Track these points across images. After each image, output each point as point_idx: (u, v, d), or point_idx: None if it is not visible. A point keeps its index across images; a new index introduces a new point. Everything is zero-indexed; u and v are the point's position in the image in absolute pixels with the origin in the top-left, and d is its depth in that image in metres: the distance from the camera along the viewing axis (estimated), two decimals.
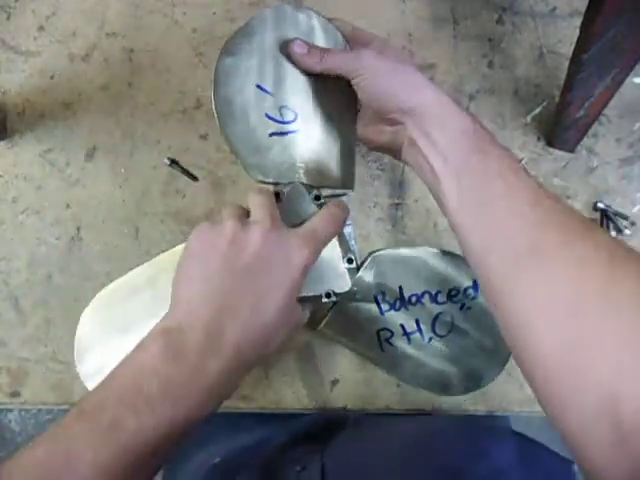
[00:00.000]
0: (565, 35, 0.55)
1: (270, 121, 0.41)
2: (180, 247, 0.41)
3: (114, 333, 0.41)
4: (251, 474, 0.44)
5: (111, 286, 0.42)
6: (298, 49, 0.39)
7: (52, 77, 0.57)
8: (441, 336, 0.41)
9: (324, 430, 0.48)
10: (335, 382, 0.52)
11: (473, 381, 0.42)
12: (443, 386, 0.42)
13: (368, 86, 0.37)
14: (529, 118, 0.56)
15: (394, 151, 0.40)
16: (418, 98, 0.36)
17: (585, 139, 0.53)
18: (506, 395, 0.52)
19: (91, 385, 0.38)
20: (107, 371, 0.31)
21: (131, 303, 0.41)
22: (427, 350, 0.41)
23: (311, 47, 0.40)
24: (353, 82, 0.38)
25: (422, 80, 0.36)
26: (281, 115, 0.41)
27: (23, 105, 0.56)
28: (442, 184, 0.34)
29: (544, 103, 0.56)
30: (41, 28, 0.58)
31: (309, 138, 0.41)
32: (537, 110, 0.56)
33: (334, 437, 0.47)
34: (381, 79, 0.37)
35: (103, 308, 0.41)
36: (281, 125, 0.41)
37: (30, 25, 0.58)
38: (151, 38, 0.57)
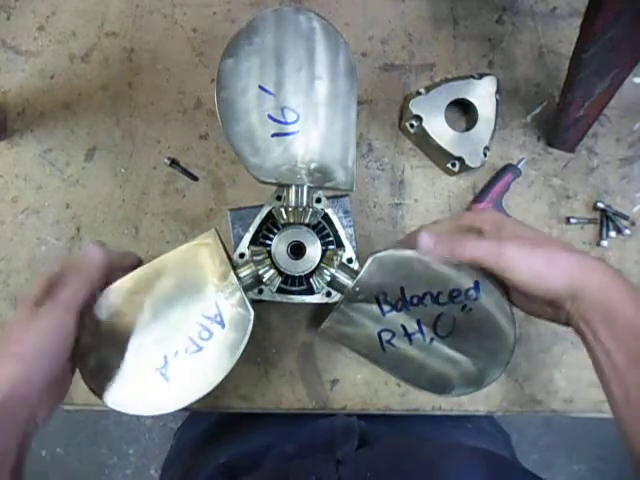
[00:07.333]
0: (565, 35, 0.55)
1: (272, 122, 0.41)
2: (175, 250, 0.41)
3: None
4: (257, 478, 0.43)
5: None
6: (424, 245, 0.37)
7: (52, 77, 0.57)
8: (442, 337, 0.41)
9: (331, 440, 0.48)
10: (335, 382, 0.52)
11: (474, 382, 0.41)
12: (444, 387, 0.42)
13: (517, 276, 0.35)
14: (529, 118, 0.56)
15: (562, 322, 0.37)
16: (572, 284, 0.34)
17: (585, 139, 0.53)
18: (506, 395, 0.52)
19: (92, 386, 0.38)
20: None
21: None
22: (428, 351, 0.41)
23: (438, 238, 0.37)
24: (499, 274, 0.36)
25: (575, 261, 0.34)
26: (283, 116, 0.41)
27: (23, 105, 0.56)
28: (605, 376, 0.33)
29: (544, 103, 0.56)
30: (41, 28, 0.58)
31: (310, 139, 0.41)
32: (537, 110, 0.56)
33: (345, 449, 0.47)
34: (528, 271, 0.35)
35: None
36: (283, 126, 0.41)
37: (30, 25, 0.58)
38: (151, 38, 0.57)
